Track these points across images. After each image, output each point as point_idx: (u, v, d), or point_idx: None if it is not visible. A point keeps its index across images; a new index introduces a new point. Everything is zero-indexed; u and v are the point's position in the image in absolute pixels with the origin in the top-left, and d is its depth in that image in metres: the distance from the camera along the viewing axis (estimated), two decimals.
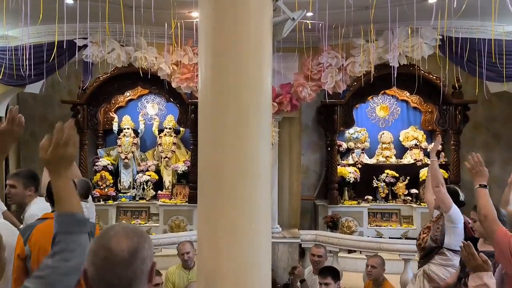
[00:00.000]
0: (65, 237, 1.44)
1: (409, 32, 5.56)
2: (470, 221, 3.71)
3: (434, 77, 7.21)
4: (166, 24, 5.48)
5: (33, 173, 3.51)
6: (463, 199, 3.92)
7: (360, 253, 6.35)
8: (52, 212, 2.79)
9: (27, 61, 5.42)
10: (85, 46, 5.87)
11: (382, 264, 4.36)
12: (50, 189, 2.82)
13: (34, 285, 1.40)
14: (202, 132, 1.91)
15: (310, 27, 5.06)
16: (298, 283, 4.90)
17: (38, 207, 3.28)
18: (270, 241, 1.92)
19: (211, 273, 1.82)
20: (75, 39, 5.68)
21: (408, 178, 7.92)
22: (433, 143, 4.03)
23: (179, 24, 5.53)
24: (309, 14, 5.10)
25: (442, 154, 8.08)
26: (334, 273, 4.29)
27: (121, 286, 1.24)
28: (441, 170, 7.68)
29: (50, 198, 2.86)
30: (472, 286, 2.39)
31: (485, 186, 2.93)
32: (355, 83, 7.24)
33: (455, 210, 3.70)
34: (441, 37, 5.67)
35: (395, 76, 5.50)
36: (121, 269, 1.23)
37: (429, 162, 8.01)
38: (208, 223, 1.86)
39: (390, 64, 5.65)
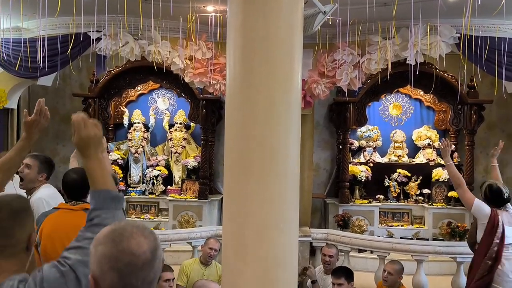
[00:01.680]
0: (100, 212, 1.47)
1: (428, 29, 5.47)
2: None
3: (450, 76, 7.11)
4: (181, 18, 5.43)
5: (50, 160, 3.53)
6: (507, 195, 3.96)
7: (371, 252, 6.29)
8: (66, 202, 2.81)
9: (41, 53, 5.40)
10: (99, 39, 5.83)
11: (400, 272, 4.26)
12: (67, 182, 2.82)
13: (74, 255, 1.43)
14: (229, 128, 1.85)
15: (330, 23, 4.97)
16: (309, 283, 4.85)
17: (47, 191, 3.33)
18: (297, 241, 1.86)
19: (237, 273, 1.78)
20: (89, 31, 5.65)
21: (420, 178, 7.83)
22: (441, 146, 4.10)
23: (193, 18, 5.47)
24: (331, 10, 5.03)
25: (456, 154, 7.98)
26: (348, 274, 4.24)
27: None
28: None
29: (65, 189, 2.89)
30: None
31: None
32: (369, 80, 7.17)
33: (475, 207, 3.85)
34: (459, 35, 5.57)
35: (411, 74, 5.43)
36: (145, 272, 1.19)
37: (442, 162, 7.96)
38: (235, 221, 1.80)
39: (407, 62, 5.56)
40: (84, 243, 1.45)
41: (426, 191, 7.77)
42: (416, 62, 5.65)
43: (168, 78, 7.21)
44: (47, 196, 3.27)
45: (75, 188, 2.84)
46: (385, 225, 7.64)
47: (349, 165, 7.72)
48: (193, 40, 5.77)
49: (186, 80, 6.23)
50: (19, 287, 1.37)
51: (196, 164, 7.85)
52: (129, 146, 8.30)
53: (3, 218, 1.45)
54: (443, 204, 7.64)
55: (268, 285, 1.74)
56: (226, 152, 1.88)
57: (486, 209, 3.85)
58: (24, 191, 3.42)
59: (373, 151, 8.25)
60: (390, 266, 4.35)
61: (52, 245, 2.49)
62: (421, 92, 8.07)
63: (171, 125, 8.34)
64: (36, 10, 4.47)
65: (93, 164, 1.53)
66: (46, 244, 2.54)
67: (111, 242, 1.19)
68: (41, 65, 5.50)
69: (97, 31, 5.66)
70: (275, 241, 1.74)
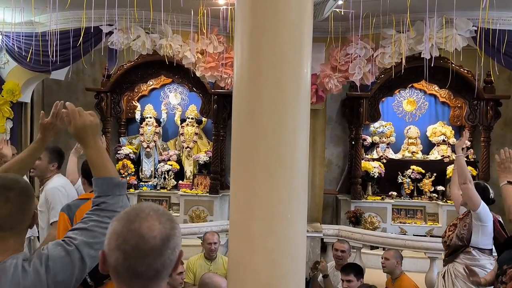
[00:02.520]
0: (106, 199, 1.49)
1: (443, 22, 5.34)
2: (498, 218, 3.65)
3: (465, 71, 6.97)
4: (192, 12, 5.40)
5: (59, 149, 3.60)
6: (492, 197, 3.78)
7: (384, 249, 6.20)
8: (91, 192, 2.82)
9: (53, 47, 5.42)
10: (111, 33, 5.83)
11: (396, 257, 4.26)
12: (86, 169, 2.88)
13: (80, 236, 1.44)
14: (236, 116, 1.81)
15: (342, 13, 4.88)
16: (320, 277, 4.80)
17: (60, 180, 3.46)
18: (305, 232, 1.82)
19: (243, 265, 1.74)
20: (101, 25, 5.65)
21: (434, 174, 7.71)
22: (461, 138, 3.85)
23: (205, 11, 5.43)
24: (340, 2, 4.95)
25: (471, 150, 7.83)
26: (357, 270, 4.20)
27: (147, 277, 1.12)
28: (470, 168, 7.53)
29: (86, 177, 2.95)
30: None
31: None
32: (382, 75, 7.07)
33: (483, 208, 3.55)
34: (476, 28, 5.43)
35: (426, 68, 5.33)
36: (151, 259, 1.11)
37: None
38: (241, 212, 1.76)
39: (422, 56, 5.44)
40: (90, 225, 1.46)
41: (440, 188, 7.65)
42: (432, 56, 5.53)
43: (180, 73, 7.20)
44: (61, 185, 3.41)
45: None
46: (398, 222, 7.54)
47: (362, 161, 7.63)
48: (205, 33, 5.73)
49: (197, 74, 6.20)
50: (24, 265, 1.37)
51: (208, 159, 7.85)
52: (141, 141, 8.34)
53: (17, 194, 1.46)
54: None
55: (275, 276, 1.70)
56: (233, 141, 1.84)
57: (488, 210, 3.59)
58: (34, 179, 3.51)
59: (387, 147, 8.15)
60: (386, 253, 4.37)
61: None
62: (436, 88, 7.93)
63: (182, 120, 8.34)
64: (47, 4, 4.47)
65: (92, 152, 1.54)
66: None
67: (125, 220, 1.15)
68: (53, 59, 5.52)
69: (108, 24, 5.65)
70: (282, 231, 1.69)
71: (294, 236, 1.71)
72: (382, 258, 4.38)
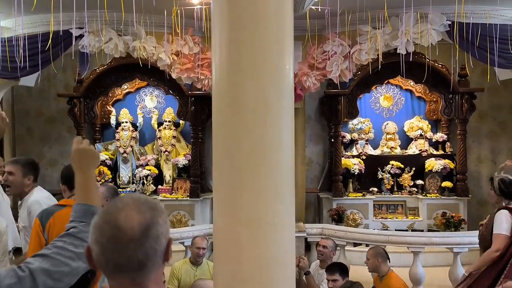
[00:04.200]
0: (78, 225, 1.43)
1: (418, 17, 5.37)
2: None
3: (440, 65, 7.05)
4: (165, 12, 5.27)
5: (33, 161, 3.42)
6: None
7: (367, 246, 6.21)
8: (69, 198, 2.69)
9: (21, 52, 5.20)
10: (81, 36, 5.65)
11: (376, 255, 4.20)
12: (67, 174, 2.78)
13: (39, 263, 1.33)
14: (217, 116, 1.72)
15: (319, 10, 4.85)
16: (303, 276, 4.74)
17: (41, 194, 3.28)
18: (294, 236, 1.74)
19: (230, 273, 1.65)
20: (71, 28, 5.46)
21: (413, 169, 7.77)
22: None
23: (179, 11, 5.31)
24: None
25: (448, 144, 7.94)
26: (343, 269, 4.17)
27: (131, 269, 1.07)
28: (447, 161, 7.62)
29: (65, 183, 2.82)
30: None
31: None
32: (359, 72, 7.08)
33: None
34: (450, 22, 5.49)
35: (403, 64, 5.35)
36: (131, 250, 1.05)
37: (434, 153, 7.91)
38: (226, 217, 1.68)
39: (398, 51, 5.46)
40: (52, 251, 1.37)
41: (419, 182, 7.72)
42: (408, 52, 5.55)
43: (155, 75, 7.05)
44: (42, 198, 3.24)
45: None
46: (379, 218, 7.57)
47: (342, 158, 7.64)
48: (179, 34, 5.61)
49: (173, 76, 6.07)
50: None
51: (187, 162, 7.71)
52: (117, 146, 8.13)
53: None
54: (437, 194, 7.60)
55: (264, 286, 1.62)
56: (214, 144, 1.75)
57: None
58: (12, 197, 3.31)
59: (366, 143, 8.18)
60: (367, 252, 4.31)
61: None
62: (412, 83, 8.01)
63: (159, 124, 8.18)
64: (13, 7, 4.28)
65: (83, 178, 1.54)
66: None
67: (104, 212, 1.11)
68: (21, 64, 5.30)
69: (78, 27, 5.46)
70: (269, 237, 1.62)
71: (283, 241, 1.64)
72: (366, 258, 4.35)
